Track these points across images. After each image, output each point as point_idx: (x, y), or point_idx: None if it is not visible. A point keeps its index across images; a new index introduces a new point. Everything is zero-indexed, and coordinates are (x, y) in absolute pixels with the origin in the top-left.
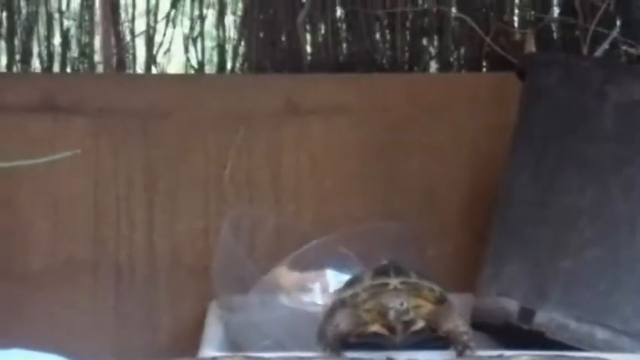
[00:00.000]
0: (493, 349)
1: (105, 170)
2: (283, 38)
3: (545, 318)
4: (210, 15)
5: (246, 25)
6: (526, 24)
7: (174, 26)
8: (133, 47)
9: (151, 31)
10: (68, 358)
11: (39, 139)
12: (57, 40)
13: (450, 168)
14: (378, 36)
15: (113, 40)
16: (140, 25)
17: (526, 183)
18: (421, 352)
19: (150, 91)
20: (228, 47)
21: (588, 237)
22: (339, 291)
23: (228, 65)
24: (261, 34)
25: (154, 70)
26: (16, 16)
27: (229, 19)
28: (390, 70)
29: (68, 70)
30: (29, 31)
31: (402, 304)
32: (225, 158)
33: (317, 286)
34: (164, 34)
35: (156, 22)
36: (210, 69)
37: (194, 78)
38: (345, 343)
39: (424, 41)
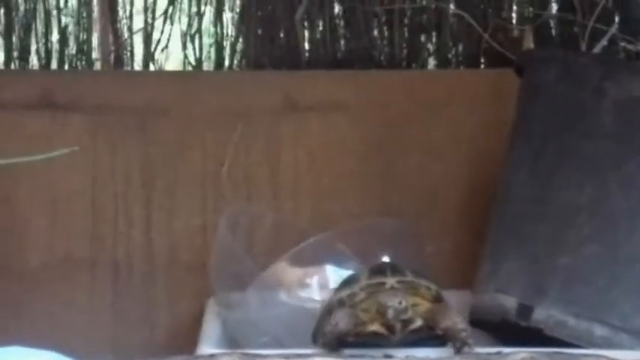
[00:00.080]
0: (491, 346)
1: (103, 167)
2: (281, 35)
3: (543, 315)
4: (208, 12)
5: (244, 22)
6: (524, 20)
7: (171, 23)
8: (131, 44)
9: (149, 28)
10: (66, 355)
11: (37, 136)
12: (55, 37)
13: (449, 165)
14: (376, 32)
15: (111, 38)
16: (138, 22)
17: (524, 179)
18: (419, 349)
19: (148, 88)
20: (226, 44)
21: (587, 233)
22: (336, 290)
23: (226, 62)
24: (259, 31)
25: (151, 67)
26: (13, 13)
27: (227, 16)
28: (388, 67)
29: (66, 67)
30: (27, 28)
31: (400, 302)
32: (223, 155)
33: (315, 282)
34: (162, 31)
35: (154, 19)
36: (208, 66)
37: (192, 75)
38: (343, 342)
39: (422, 38)
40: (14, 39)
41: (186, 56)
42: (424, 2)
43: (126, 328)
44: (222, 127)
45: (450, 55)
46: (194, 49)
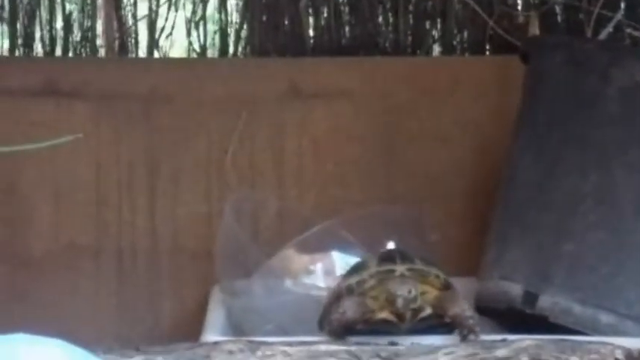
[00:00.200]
0: (496, 333)
1: (107, 155)
2: (286, 22)
3: (548, 302)
4: None
5: (248, 9)
6: (530, 7)
7: (176, 10)
8: (135, 31)
9: (153, 15)
10: (70, 343)
11: (41, 124)
12: (59, 24)
13: (454, 151)
14: (380, 19)
15: (115, 24)
16: (142, 9)
17: (529, 166)
18: (425, 336)
19: (152, 75)
20: (231, 31)
21: (592, 220)
22: (345, 277)
23: (231, 49)
24: (264, 18)
25: (156, 55)
26: (18, 0)
27: (232, 3)
28: (393, 54)
29: (70, 54)
30: (31, 15)
31: (410, 291)
32: (227, 142)
33: (320, 269)
34: (166, 18)
35: (158, 5)
36: (212, 53)
37: (196, 62)
38: (350, 329)
39: (427, 24)
40: (19, 26)
41: (190, 43)
42: None
43: (130, 315)
44: (227, 115)
45: (455, 42)
46: (198, 36)
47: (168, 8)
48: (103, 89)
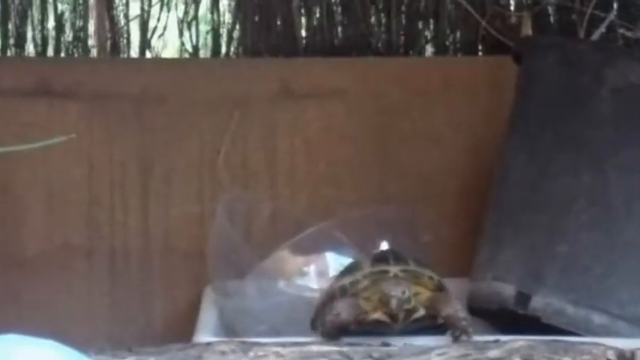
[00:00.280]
0: (489, 334)
1: (99, 155)
2: (278, 22)
3: (541, 303)
4: None
5: (240, 9)
6: (522, 7)
7: (168, 10)
8: (128, 31)
9: (146, 15)
10: (63, 343)
11: (33, 124)
12: (51, 24)
13: (446, 152)
14: (373, 19)
15: (107, 25)
16: (134, 9)
17: (522, 166)
18: (418, 337)
19: (144, 75)
20: (223, 31)
21: (584, 221)
22: (338, 277)
23: (223, 49)
24: (256, 18)
25: (148, 55)
26: (10, 0)
27: (224, 3)
28: (386, 54)
29: (62, 54)
30: (23, 15)
31: (403, 292)
32: (219, 142)
33: (313, 270)
34: (158, 19)
35: (150, 6)
36: (204, 53)
37: (189, 62)
38: (344, 330)
39: (420, 25)
40: (10, 26)
41: (182, 43)
42: None
43: (123, 315)
44: (219, 115)
45: (447, 42)
46: (191, 36)
47: (161, 8)
48: (95, 89)
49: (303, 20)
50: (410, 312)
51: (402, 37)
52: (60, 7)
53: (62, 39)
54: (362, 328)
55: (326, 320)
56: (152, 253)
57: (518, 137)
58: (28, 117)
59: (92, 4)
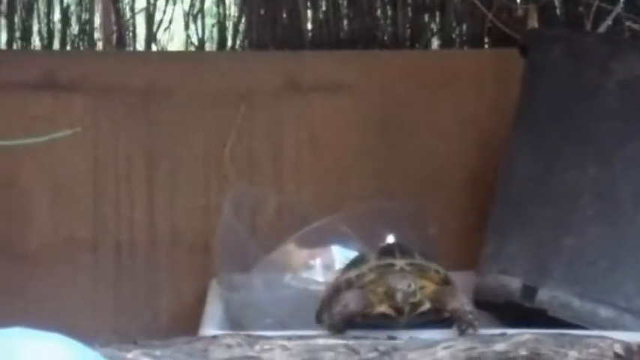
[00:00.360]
0: (495, 327)
1: (105, 148)
2: (284, 15)
3: (547, 296)
4: None
5: (246, 2)
6: (528, 0)
7: (174, 3)
8: (133, 24)
9: (151, 8)
10: (68, 337)
11: (39, 117)
12: (57, 17)
13: (453, 145)
14: (379, 12)
15: (113, 18)
16: (140, 2)
17: (528, 160)
18: (424, 330)
19: (150, 68)
20: (229, 24)
21: (591, 215)
22: (344, 271)
23: (229, 42)
24: (262, 11)
25: (154, 48)
26: None
27: None
28: (392, 47)
29: (68, 47)
30: (29, 9)
31: (409, 285)
32: (225, 136)
33: (319, 264)
34: (164, 12)
35: None
36: (210, 46)
37: (194, 55)
38: (350, 323)
39: (426, 17)
40: (16, 19)
41: (188, 36)
42: None
43: (128, 308)
44: (225, 108)
45: (453, 35)
46: (197, 29)
47: (166, 1)
48: (101, 83)
49: (309, 13)
50: (415, 305)
51: (408, 30)
52: (66, 0)
53: (68, 32)
54: (367, 322)
55: (334, 312)
56: (158, 246)
57: (525, 130)
58: (34, 110)
59: None
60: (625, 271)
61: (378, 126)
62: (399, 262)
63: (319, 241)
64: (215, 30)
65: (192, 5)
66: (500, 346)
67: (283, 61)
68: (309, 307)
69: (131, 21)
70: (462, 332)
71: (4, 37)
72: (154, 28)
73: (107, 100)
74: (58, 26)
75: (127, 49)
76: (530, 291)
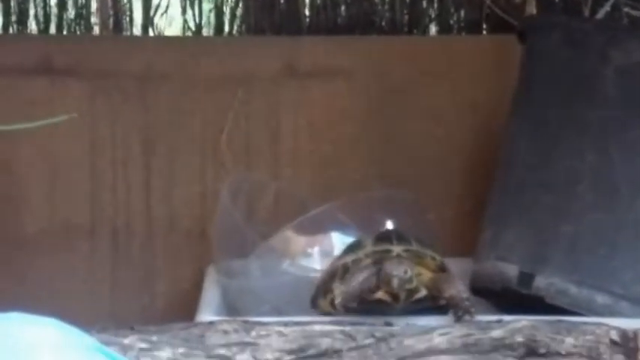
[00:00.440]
0: (492, 314)
1: (102, 133)
2: (281, 0)
3: (544, 283)
4: None
5: None
6: None
7: None
8: (130, 9)
9: None
10: (64, 322)
11: (35, 102)
12: (53, 1)
13: (450, 131)
14: None
15: (110, 2)
16: None
17: (526, 147)
18: (420, 317)
19: (147, 53)
20: (226, 9)
21: (589, 202)
22: (340, 256)
23: (226, 28)
24: None
25: (151, 33)
26: None
27: None
28: (390, 33)
29: (65, 31)
30: None
31: (405, 272)
32: (222, 122)
33: (317, 251)
34: None
35: None
36: (207, 31)
37: (192, 40)
38: (346, 307)
39: (424, 3)
40: (12, 3)
41: (185, 21)
42: None
43: (125, 294)
44: (222, 93)
45: (451, 21)
46: (194, 14)
47: None
48: (97, 67)
49: None
50: (411, 292)
51: (406, 16)
52: None
53: (64, 16)
54: (363, 307)
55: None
56: (154, 232)
57: (523, 117)
58: (30, 95)
59: None
60: (622, 258)
61: (375, 111)
62: (396, 249)
63: (317, 228)
64: (212, 15)
65: None
66: (496, 333)
67: (281, 47)
68: (307, 294)
69: (128, 5)
70: (458, 319)
71: (1, 21)
72: (151, 12)
73: (104, 85)
74: (54, 10)
75: (124, 33)
76: (527, 278)
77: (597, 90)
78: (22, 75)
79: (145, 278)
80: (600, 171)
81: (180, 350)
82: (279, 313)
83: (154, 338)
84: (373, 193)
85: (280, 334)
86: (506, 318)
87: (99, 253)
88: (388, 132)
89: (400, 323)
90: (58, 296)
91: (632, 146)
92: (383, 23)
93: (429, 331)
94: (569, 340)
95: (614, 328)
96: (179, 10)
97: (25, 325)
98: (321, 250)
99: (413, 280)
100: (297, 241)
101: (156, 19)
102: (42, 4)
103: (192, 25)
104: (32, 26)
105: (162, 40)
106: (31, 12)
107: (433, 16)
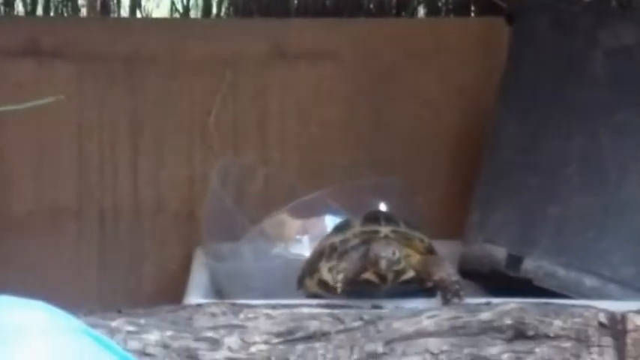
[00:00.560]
0: (480, 296)
1: (89, 115)
2: None
3: (532, 265)
4: None
5: None
6: None
7: None
8: None
9: None
10: (52, 305)
11: (22, 84)
12: None
13: (438, 114)
14: None
15: None
16: None
17: (514, 129)
18: (409, 300)
19: (134, 35)
20: None
21: (577, 184)
22: (328, 236)
23: (214, 9)
24: None
25: (138, 14)
26: None
27: None
28: (378, 15)
29: (52, 13)
30: None
31: (393, 253)
32: (210, 104)
33: (309, 235)
34: None
35: None
36: (195, 13)
37: (179, 22)
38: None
39: None
40: None
41: (173, 3)
42: None
43: (112, 277)
44: (210, 76)
45: (440, 3)
46: None
47: None
48: (85, 49)
49: None
50: (399, 273)
51: None
52: None
53: None
54: (350, 288)
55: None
56: (142, 214)
57: (511, 99)
58: (17, 77)
59: None
60: (610, 240)
61: (363, 94)
62: (384, 229)
63: (310, 213)
64: None
65: None
66: (485, 315)
67: (269, 29)
68: (294, 277)
69: None
70: (446, 301)
71: None
72: None
73: (91, 67)
74: None
75: (112, 15)
76: (515, 260)
77: (585, 72)
78: (9, 57)
79: (132, 260)
80: (588, 153)
81: (168, 333)
82: (268, 297)
83: (142, 321)
84: (363, 181)
85: (268, 316)
86: (495, 300)
87: (86, 235)
88: (376, 114)
89: (389, 306)
90: (45, 278)
91: (620, 128)
92: (371, 5)
93: (417, 313)
94: (558, 323)
95: (603, 310)
96: None
97: (12, 307)
98: (313, 235)
99: (401, 261)
100: (291, 224)
101: (143, 1)
102: None
103: (180, 7)
104: (19, 8)
105: (149, 22)
106: None
107: None
